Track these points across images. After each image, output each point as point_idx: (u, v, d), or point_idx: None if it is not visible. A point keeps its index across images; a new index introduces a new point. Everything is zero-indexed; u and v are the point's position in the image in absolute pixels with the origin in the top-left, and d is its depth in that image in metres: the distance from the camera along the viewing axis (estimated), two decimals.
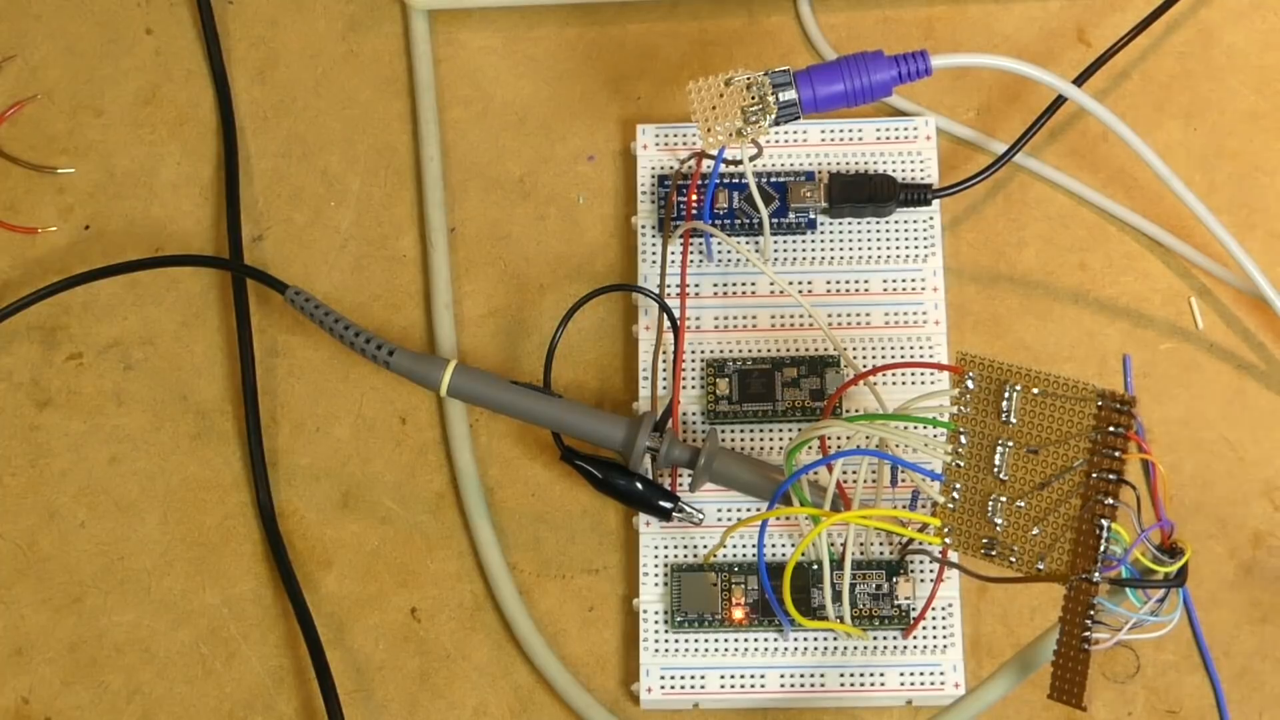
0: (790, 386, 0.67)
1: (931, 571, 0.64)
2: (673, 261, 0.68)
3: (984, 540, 0.55)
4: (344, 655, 0.66)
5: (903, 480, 0.65)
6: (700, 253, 0.69)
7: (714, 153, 0.68)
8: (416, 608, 0.67)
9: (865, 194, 0.68)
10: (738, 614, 0.64)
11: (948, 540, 0.56)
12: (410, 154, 0.73)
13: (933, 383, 0.66)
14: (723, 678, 0.64)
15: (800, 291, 0.68)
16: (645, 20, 0.74)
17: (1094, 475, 0.53)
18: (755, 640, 0.64)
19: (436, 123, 0.73)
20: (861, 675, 0.64)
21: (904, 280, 0.68)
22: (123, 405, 0.70)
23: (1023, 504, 0.54)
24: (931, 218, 0.69)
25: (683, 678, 0.64)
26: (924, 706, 0.64)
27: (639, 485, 0.65)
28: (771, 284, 0.68)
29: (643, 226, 0.70)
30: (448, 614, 0.67)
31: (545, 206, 0.72)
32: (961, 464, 0.55)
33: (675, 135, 0.71)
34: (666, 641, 0.65)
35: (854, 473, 0.63)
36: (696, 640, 0.64)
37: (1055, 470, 0.53)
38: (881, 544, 0.65)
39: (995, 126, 0.72)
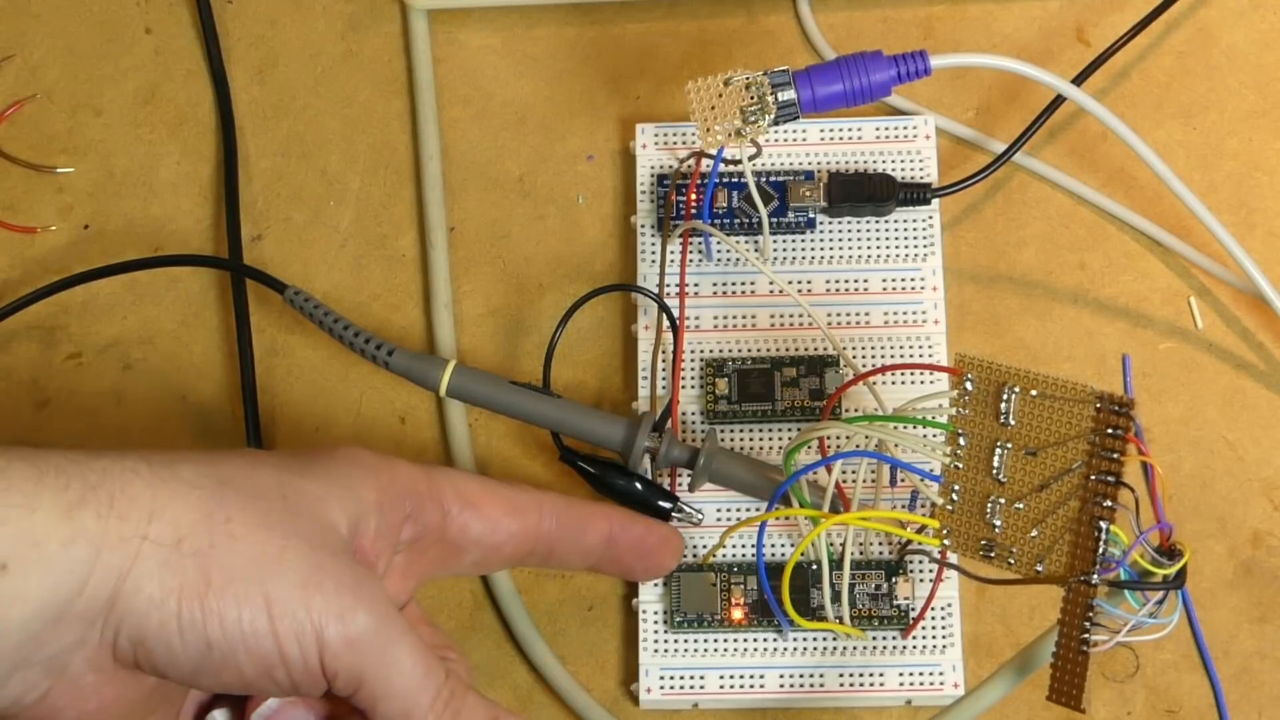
0: (789, 386, 0.67)
1: (930, 571, 0.64)
2: (672, 261, 0.68)
3: (983, 541, 0.55)
4: None
5: (902, 481, 0.65)
6: (699, 252, 0.69)
7: (713, 152, 0.68)
8: None
9: (864, 193, 0.68)
10: (737, 614, 0.64)
11: (946, 542, 0.56)
12: (409, 153, 0.73)
13: (932, 383, 0.66)
14: (722, 678, 0.64)
15: (799, 291, 0.68)
16: (644, 20, 0.74)
17: (1092, 477, 0.53)
18: (754, 640, 0.64)
19: (436, 122, 0.73)
20: (861, 675, 0.64)
21: (903, 280, 0.68)
22: (122, 405, 0.70)
23: (1021, 505, 0.54)
24: (931, 217, 0.69)
25: (682, 678, 0.64)
26: (923, 706, 0.64)
27: (638, 485, 0.65)
28: (771, 283, 0.68)
29: (642, 226, 0.70)
30: (447, 613, 0.67)
31: (544, 206, 0.72)
32: (960, 465, 0.55)
33: (674, 134, 0.71)
34: (666, 641, 0.65)
35: (853, 473, 0.63)
36: (696, 640, 0.65)
37: (1054, 472, 0.53)
38: (880, 544, 0.65)
39: (994, 126, 0.72)
